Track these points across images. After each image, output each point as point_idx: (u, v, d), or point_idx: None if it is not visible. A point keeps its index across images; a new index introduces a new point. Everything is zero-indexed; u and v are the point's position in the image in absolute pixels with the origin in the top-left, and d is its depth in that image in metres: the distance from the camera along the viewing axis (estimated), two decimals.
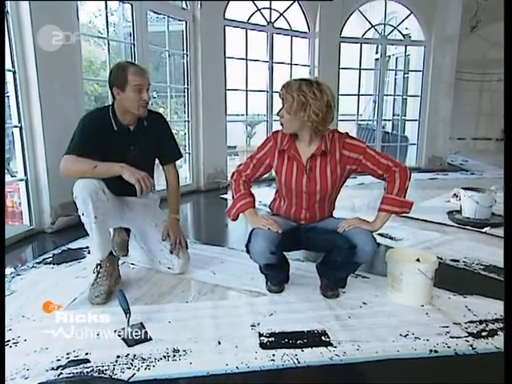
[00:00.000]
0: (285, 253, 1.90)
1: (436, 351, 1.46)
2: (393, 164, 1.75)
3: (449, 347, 1.48)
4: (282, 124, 1.77)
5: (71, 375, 1.34)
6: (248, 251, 1.75)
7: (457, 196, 3.72)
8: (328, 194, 1.82)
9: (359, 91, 5.90)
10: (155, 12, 4.07)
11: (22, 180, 2.77)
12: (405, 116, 6.48)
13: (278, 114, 1.76)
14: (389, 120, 6.96)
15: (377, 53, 7.22)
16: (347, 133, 1.81)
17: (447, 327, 1.62)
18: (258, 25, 4.84)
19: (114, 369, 1.37)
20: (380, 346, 1.48)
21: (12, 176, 3.17)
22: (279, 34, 5.01)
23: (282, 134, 1.80)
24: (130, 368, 1.37)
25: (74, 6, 2.99)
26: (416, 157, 6.14)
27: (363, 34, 5.80)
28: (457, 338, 1.54)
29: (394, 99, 6.90)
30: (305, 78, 1.70)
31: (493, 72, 8.25)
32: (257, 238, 1.69)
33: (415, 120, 6.04)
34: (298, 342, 1.52)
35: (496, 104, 8.43)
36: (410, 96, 6.22)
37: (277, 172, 1.83)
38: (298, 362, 1.40)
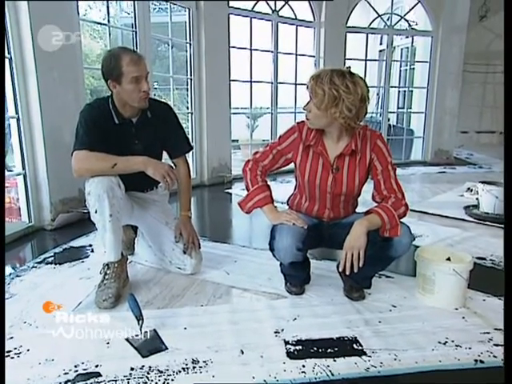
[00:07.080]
0: None
1: (482, 361, 1.33)
2: (401, 195, 1.59)
3: (495, 357, 1.35)
4: (307, 119, 1.60)
5: None
6: (272, 249, 1.62)
7: (471, 190, 3.60)
8: (354, 195, 1.71)
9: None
10: None
11: (19, 174, 2.62)
12: (410, 108, 6.34)
13: (304, 108, 1.60)
14: (393, 112, 6.82)
15: (381, 44, 7.07)
16: (381, 133, 1.67)
17: (488, 333, 1.49)
18: (262, 13, 4.68)
19: (128, 383, 1.23)
20: (419, 356, 1.35)
21: (9, 170, 3.00)
22: (284, 23, 4.85)
23: (307, 127, 1.65)
24: (146, 382, 1.23)
25: None
26: (422, 150, 6.02)
27: (369, 24, 5.63)
28: (502, 346, 1.41)
29: (399, 91, 6.76)
30: (335, 68, 1.53)
31: (497, 64, 8.14)
32: (282, 235, 1.56)
33: (421, 112, 5.91)
34: (329, 350, 1.39)
35: (500, 97, 8.32)
36: (416, 88, 6.07)
37: (300, 168, 1.69)
38: (332, 375, 1.27)
